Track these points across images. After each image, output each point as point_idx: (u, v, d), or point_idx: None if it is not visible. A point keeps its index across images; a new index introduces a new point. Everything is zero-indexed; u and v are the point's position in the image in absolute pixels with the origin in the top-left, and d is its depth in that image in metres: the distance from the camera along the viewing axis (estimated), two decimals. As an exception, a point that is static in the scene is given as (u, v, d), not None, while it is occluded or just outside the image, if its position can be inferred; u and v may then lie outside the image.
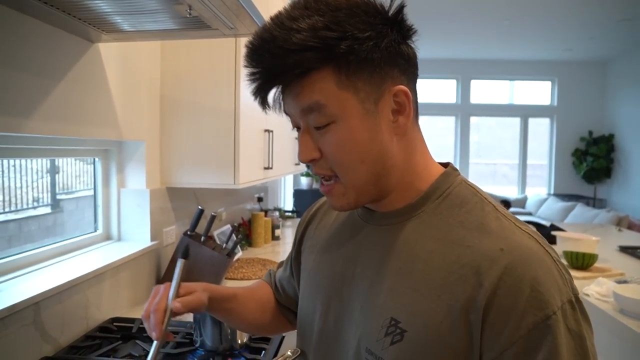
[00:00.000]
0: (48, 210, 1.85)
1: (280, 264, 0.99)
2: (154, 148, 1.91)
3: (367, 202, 0.70)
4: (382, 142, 0.65)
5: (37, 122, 1.23)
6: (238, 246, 2.43)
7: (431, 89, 8.64)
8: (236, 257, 2.48)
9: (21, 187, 1.62)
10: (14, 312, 1.13)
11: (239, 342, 1.28)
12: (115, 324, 1.48)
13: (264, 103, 0.68)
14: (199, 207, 1.89)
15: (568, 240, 2.57)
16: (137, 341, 1.36)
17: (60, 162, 1.82)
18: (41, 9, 1.13)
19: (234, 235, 2.05)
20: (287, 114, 0.70)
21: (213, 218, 1.93)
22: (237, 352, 1.28)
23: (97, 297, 1.50)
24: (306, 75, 0.62)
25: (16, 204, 1.62)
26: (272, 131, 2.39)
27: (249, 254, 2.69)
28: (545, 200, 7.87)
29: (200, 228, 1.95)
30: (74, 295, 1.38)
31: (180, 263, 0.76)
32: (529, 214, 7.63)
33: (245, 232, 2.94)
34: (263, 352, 1.28)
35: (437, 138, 8.77)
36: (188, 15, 1.16)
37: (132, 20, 1.26)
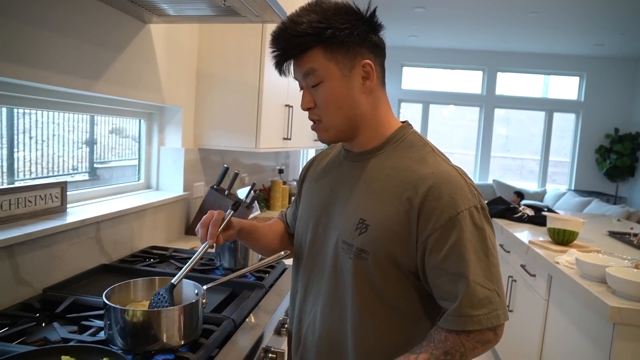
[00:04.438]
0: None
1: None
2: (189, 113, 2.26)
3: (343, 138, 1.02)
4: (353, 97, 0.97)
5: (101, 84, 1.59)
6: (256, 204, 2.77)
7: (457, 79, 8.77)
8: (254, 214, 2.83)
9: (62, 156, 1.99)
10: (83, 225, 1.51)
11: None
12: (154, 251, 1.85)
13: (281, 72, 1.01)
14: (225, 165, 2.24)
15: (556, 220, 2.80)
16: (171, 260, 1.72)
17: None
18: (111, -4, 1.47)
19: (252, 192, 2.39)
20: (295, 78, 1.02)
21: (236, 175, 2.28)
22: (248, 272, 1.62)
23: (139, 228, 1.87)
24: (306, 52, 0.96)
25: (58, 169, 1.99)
26: (292, 106, 2.71)
27: (267, 215, 3.04)
28: (563, 194, 7.98)
29: (226, 185, 2.30)
30: (123, 224, 1.75)
31: (230, 211, 1.08)
32: (546, 207, 7.74)
33: (264, 197, 3.29)
34: (267, 274, 1.62)
35: (465, 130, 8.90)
36: (222, 5, 1.48)
37: (176, 7, 1.59)
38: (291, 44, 0.94)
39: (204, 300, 1.06)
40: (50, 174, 1.91)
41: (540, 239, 2.79)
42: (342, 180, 1.05)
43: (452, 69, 8.73)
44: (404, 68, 8.73)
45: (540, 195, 8.40)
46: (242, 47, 2.26)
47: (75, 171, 2.11)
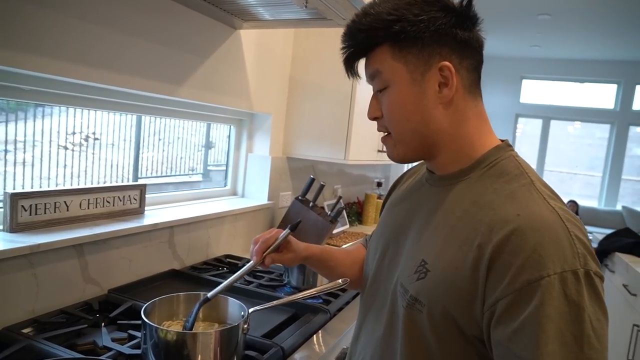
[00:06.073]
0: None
1: None
2: (279, 121, 2.22)
3: (416, 157, 0.84)
4: (425, 107, 0.77)
5: (185, 90, 1.59)
6: (345, 217, 2.66)
7: (584, 93, 7.90)
8: (342, 228, 2.72)
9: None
10: (155, 229, 1.51)
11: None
12: (227, 260, 1.82)
13: (349, 71, 0.86)
14: (311, 176, 2.16)
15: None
16: (241, 272, 1.67)
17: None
18: (197, 2, 1.46)
19: (341, 203, 2.28)
20: (368, 81, 0.86)
21: (322, 187, 2.18)
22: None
23: (217, 235, 1.85)
24: (373, 49, 0.80)
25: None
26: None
27: (356, 229, 2.92)
28: None
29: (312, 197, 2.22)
30: (199, 230, 1.74)
31: (287, 231, 0.96)
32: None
33: (357, 210, 3.17)
34: (336, 297, 1.49)
35: (592, 149, 7.96)
36: (305, 7, 1.40)
37: (270, 10, 1.53)
38: (356, 40, 0.80)
39: (245, 325, 0.96)
40: (170, 173, 2.02)
41: (679, 284, 2.32)
42: (418, 208, 0.86)
43: (580, 82, 7.89)
44: (524, 80, 8.08)
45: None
46: (336, 54, 2.15)
47: (193, 172, 2.19)
